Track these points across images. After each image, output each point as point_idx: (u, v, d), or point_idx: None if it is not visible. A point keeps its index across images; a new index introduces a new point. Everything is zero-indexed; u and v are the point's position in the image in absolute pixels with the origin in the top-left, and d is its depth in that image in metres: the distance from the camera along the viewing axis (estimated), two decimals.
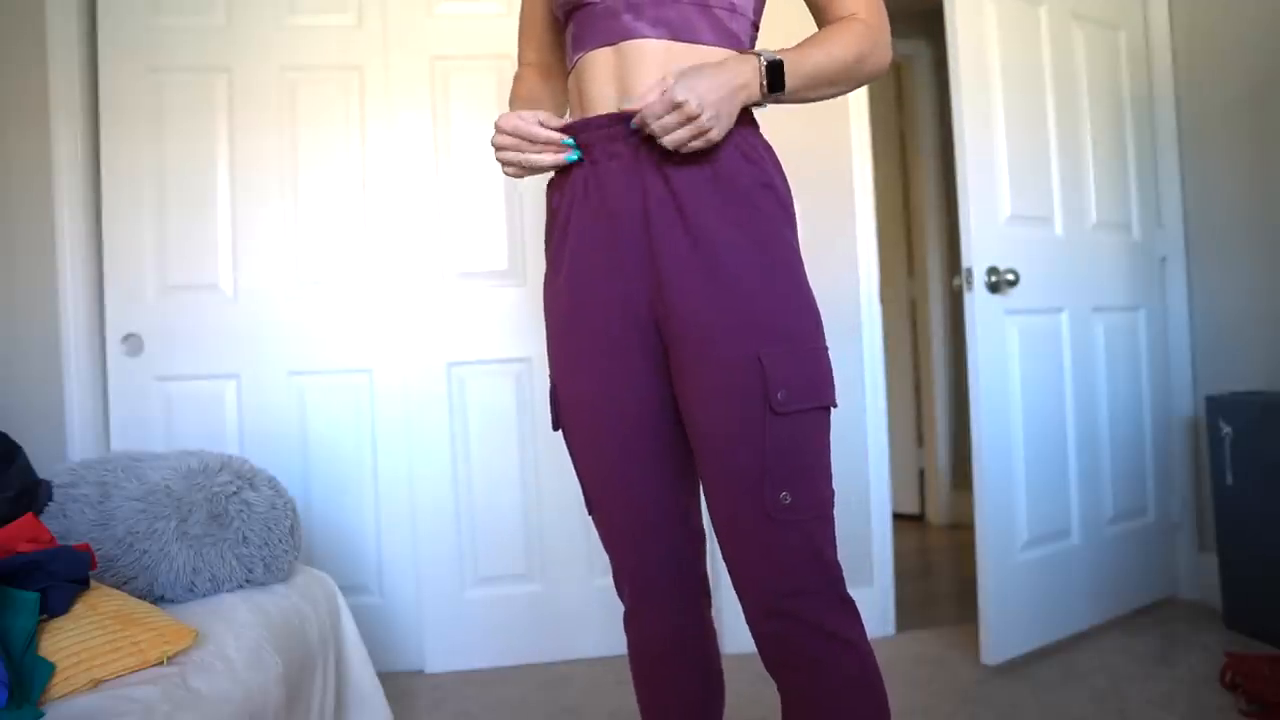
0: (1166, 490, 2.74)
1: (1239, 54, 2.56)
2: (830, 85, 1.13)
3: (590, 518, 1.26)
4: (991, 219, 2.31)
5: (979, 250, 2.27)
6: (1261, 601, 2.33)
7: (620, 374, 1.15)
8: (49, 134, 2.33)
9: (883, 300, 2.65)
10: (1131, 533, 2.63)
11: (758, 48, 1.12)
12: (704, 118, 1.02)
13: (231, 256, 2.46)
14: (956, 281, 2.35)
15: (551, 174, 1.22)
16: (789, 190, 1.16)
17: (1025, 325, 2.36)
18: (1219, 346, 2.67)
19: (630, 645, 1.27)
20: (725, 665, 1.31)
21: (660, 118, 1.03)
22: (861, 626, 1.11)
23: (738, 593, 1.12)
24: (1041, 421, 2.40)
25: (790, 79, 1.08)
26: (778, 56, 1.08)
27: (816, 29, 1.20)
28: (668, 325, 1.11)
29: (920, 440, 4.20)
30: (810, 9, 1.22)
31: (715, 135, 1.04)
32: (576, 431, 1.21)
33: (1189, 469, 2.76)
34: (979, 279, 2.26)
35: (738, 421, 1.07)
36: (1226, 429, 2.42)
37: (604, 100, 1.14)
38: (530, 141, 1.13)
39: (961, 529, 3.66)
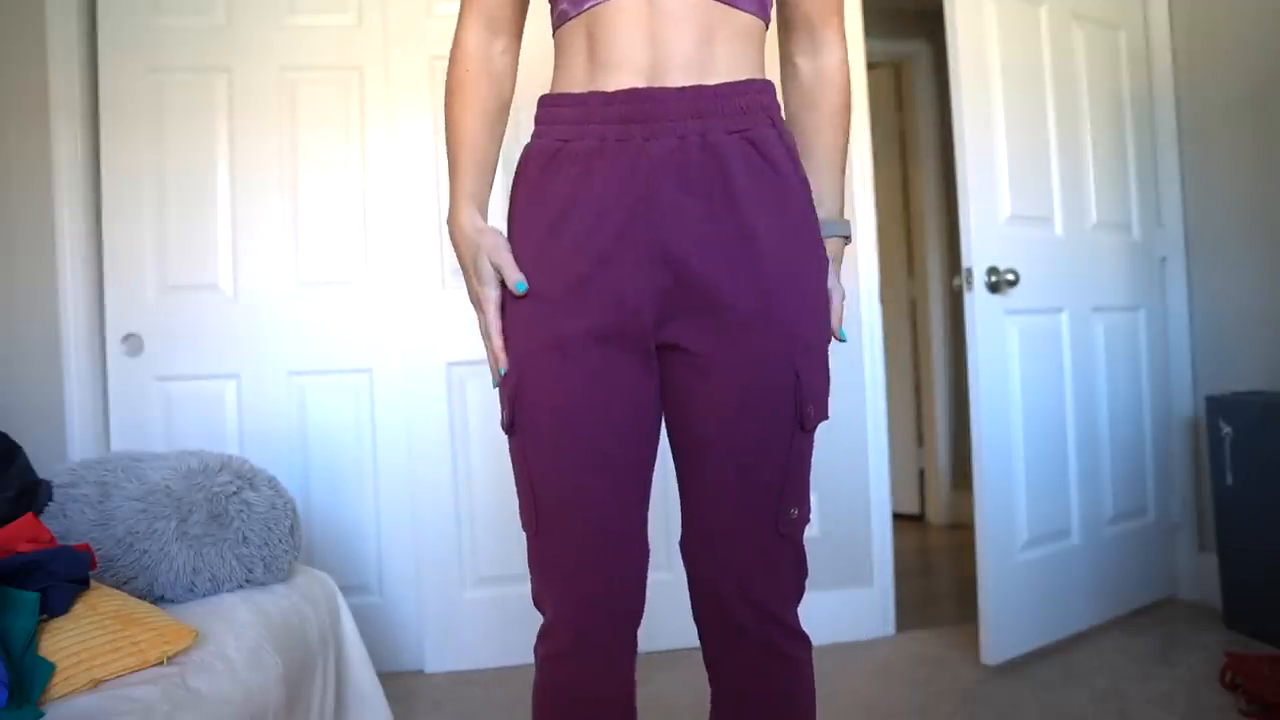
0: (1166, 490, 2.74)
1: (1239, 54, 2.56)
2: None
3: (525, 534, 1.07)
4: (991, 219, 2.31)
5: (979, 250, 2.27)
6: (1261, 601, 2.33)
7: (611, 378, 1.02)
8: (49, 134, 2.33)
9: (883, 300, 2.65)
10: (1131, 533, 2.63)
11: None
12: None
13: (231, 256, 2.46)
14: (956, 281, 2.35)
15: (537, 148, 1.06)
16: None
17: (1025, 325, 2.36)
18: (1219, 346, 2.67)
19: (552, 691, 1.07)
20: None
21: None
22: None
23: (715, 597, 1.06)
24: (1041, 421, 2.40)
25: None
26: (847, 223, 1.18)
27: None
28: (690, 324, 1.01)
29: (920, 440, 4.20)
30: (786, 32, 1.15)
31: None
32: (539, 440, 1.03)
33: (1189, 469, 2.76)
34: (979, 279, 2.26)
35: (768, 435, 1.02)
36: (1226, 429, 2.42)
37: (630, 63, 1.00)
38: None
39: (961, 529, 3.66)
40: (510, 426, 1.05)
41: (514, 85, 1.15)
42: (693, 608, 1.10)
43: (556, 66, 1.08)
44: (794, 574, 1.08)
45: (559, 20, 1.07)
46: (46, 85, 2.33)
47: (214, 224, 2.45)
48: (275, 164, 2.47)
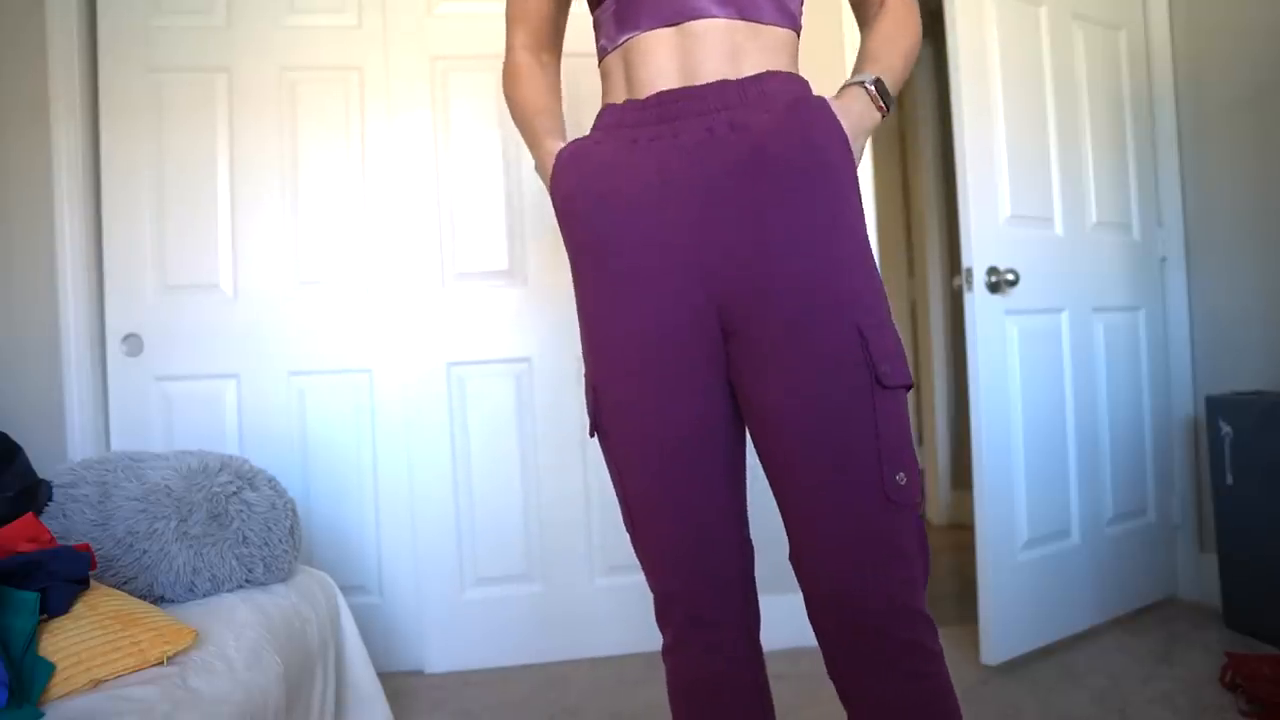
0: (1166, 490, 2.74)
1: (1239, 54, 2.56)
2: (904, 79, 1.15)
3: (628, 535, 1.13)
4: (991, 219, 2.31)
5: (979, 250, 2.26)
6: (1261, 601, 2.33)
7: (677, 374, 1.05)
8: (49, 134, 2.33)
9: None
10: (1131, 533, 2.63)
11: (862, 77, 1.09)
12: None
13: (231, 256, 2.46)
14: (956, 281, 2.35)
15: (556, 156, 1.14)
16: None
17: (1025, 325, 2.36)
18: (1219, 346, 2.67)
19: (674, 680, 1.13)
20: (770, 662, 1.19)
21: None
22: None
23: (836, 597, 1.00)
24: (1041, 421, 2.40)
25: (891, 90, 1.10)
26: (874, 76, 1.08)
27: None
28: (745, 306, 1.01)
29: (920, 440, 4.20)
30: None
31: None
32: (621, 440, 1.09)
33: (1189, 469, 2.75)
34: (979, 279, 2.26)
35: (847, 397, 0.97)
36: (1226, 429, 2.42)
37: (663, 77, 1.07)
38: None
39: (961, 529, 3.66)
40: (594, 432, 1.12)
41: (560, 88, 1.28)
42: (812, 624, 1.04)
43: (602, 95, 1.17)
44: (920, 552, 1.00)
45: (600, 55, 1.17)
46: (46, 85, 2.33)
47: (214, 224, 2.45)
48: (275, 164, 2.47)
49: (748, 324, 1.02)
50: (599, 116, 1.14)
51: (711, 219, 1.02)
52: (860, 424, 0.98)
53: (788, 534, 1.05)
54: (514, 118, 1.25)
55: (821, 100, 1.06)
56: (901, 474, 0.98)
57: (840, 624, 1.01)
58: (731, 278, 1.02)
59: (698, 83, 1.05)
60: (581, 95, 2.47)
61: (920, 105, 4.03)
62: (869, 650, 0.99)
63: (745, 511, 1.13)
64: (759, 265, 1.01)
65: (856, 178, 1.07)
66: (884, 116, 1.08)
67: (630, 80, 1.10)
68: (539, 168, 1.18)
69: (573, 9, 1.29)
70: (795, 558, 1.04)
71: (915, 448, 1.04)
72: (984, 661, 2.27)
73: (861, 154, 1.07)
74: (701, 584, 1.08)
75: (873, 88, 1.07)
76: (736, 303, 1.02)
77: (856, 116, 1.06)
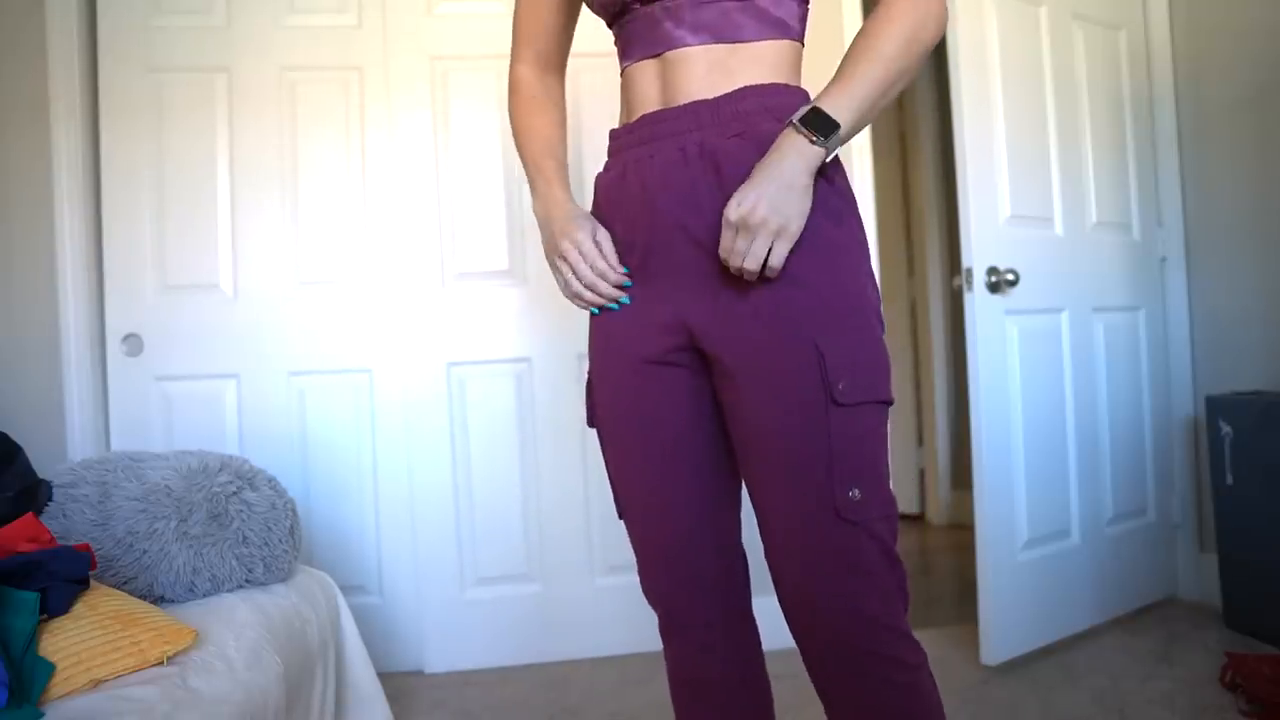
0: (1166, 490, 2.74)
1: (1239, 54, 2.56)
2: (892, 87, 1.00)
3: (621, 521, 1.19)
4: (991, 219, 2.31)
5: (979, 250, 2.27)
6: (1261, 601, 2.33)
7: (658, 383, 1.10)
8: (48, 134, 2.33)
9: (882, 300, 2.65)
10: (1131, 533, 2.63)
11: (814, 96, 1.00)
12: (769, 220, 0.95)
13: (231, 256, 2.46)
14: (956, 281, 2.35)
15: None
16: (844, 174, 1.08)
17: (1025, 325, 2.36)
18: (1219, 346, 2.67)
19: (672, 673, 1.19)
20: (770, 662, 1.21)
21: (731, 250, 0.98)
22: None
23: (796, 605, 1.03)
24: (1041, 421, 2.40)
25: (841, 114, 0.97)
26: (811, 105, 0.98)
27: None
28: (710, 329, 1.05)
29: (920, 440, 4.20)
30: None
31: (794, 228, 0.97)
32: (609, 435, 1.16)
33: (1189, 469, 2.75)
34: (979, 279, 2.26)
35: (798, 414, 0.99)
36: (1226, 429, 2.42)
37: (648, 105, 1.12)
38: (593, 269, 1.11)
39: (961, 529, 3.66)
40: (591, 423, 1.19)
41: (564, 112, 1.30)
42: (790, 630, 1.06)
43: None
44: (884, 569, 1.00)
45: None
46: (46, 85, 2.33)
47: (214, 224, 2.45)
48: (275, 164, 2.47)
49: (715, 346, 1.05)
50: (609, 140, 1.18)
51: (681, 241, 1.06)
52: (811, 440, 0.99)
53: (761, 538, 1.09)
54: (519, 146, 1.24)
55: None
56: (855, 490, 0.99)
57: (809, 629, 1.04)
58: (697, 303, 1.05)
59: (675, 104, 1.08)
60: (581, 96, 2.47)
61: (920, 105, 4.03)
62: (836, 657, 1.02)
63: (733, 518, 1.16)
64: (720, 289, 1.03)
65: (838, 196, 1.04)
66: (828, 148, 0.98)
67: (628, 105, 1.16)
68: (539, 209, 1.18)
69: (581, 13, 1.29)
70: (768, 567, 1.08)
71: (890, 462, 1.05)
72: (984, 661, 2.27)
73: (800, 203, 0.97)
74: (675, 586, 1.13)
75: (797, 123, 0.97)
76: (702, 327, 1.06)
77: (777, 167, 0.97)
